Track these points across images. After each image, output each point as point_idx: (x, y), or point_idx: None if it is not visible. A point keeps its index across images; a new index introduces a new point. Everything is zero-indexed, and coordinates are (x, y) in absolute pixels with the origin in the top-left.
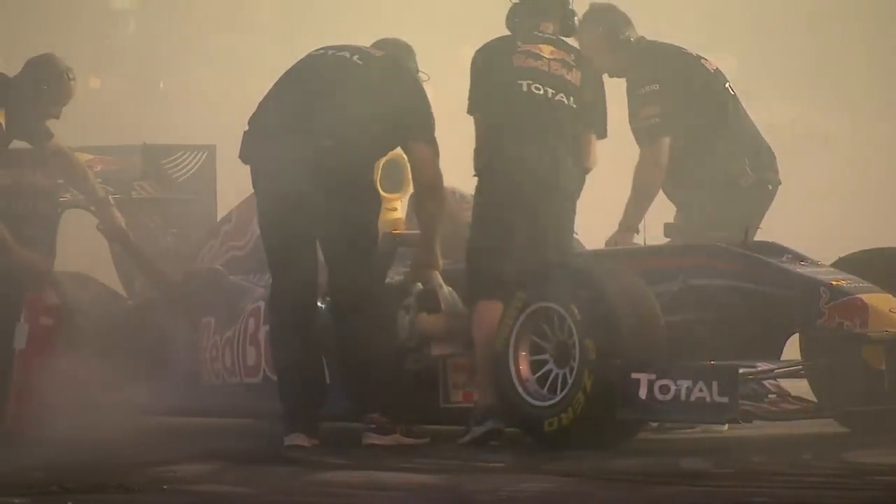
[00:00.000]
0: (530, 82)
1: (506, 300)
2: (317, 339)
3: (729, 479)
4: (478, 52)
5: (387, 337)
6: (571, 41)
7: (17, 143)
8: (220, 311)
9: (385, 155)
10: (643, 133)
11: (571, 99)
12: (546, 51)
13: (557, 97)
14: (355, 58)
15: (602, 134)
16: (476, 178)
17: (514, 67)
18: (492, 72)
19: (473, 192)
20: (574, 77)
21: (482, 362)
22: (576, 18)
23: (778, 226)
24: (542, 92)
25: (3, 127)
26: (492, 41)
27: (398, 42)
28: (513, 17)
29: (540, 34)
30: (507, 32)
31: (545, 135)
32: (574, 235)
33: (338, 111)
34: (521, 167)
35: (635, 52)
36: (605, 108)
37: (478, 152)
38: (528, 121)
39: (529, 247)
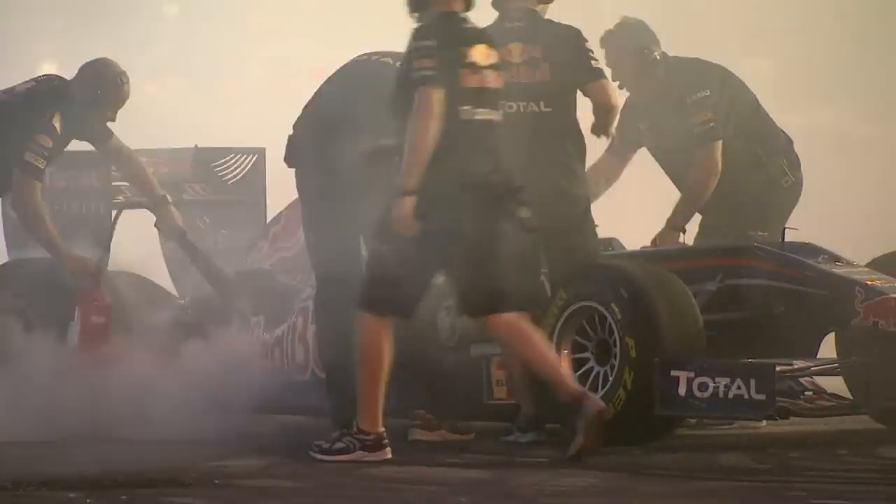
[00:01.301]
0: (503, 101)
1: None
2: None
3: (767, 474)
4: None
5: (430, 335)
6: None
7: (75, 146)
8: (269, 310)
9: None
10: (699, 138)
11: (542, 103)
12: (516, 53)
13: (529, 108)
14: (398, 64)
15: (598, 75)
16: None
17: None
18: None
19: None
20: (543, 73)
21: (524, 373)
22: None
23: (814, 227)
24: (514, 109)
25: (59, 129)
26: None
27: None
28: None
29: (510, 26)
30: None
31: (525, 148)
32: (602, 235)
33: (380, 116)
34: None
35: (666, 67)
36: (587, 55)
37: None
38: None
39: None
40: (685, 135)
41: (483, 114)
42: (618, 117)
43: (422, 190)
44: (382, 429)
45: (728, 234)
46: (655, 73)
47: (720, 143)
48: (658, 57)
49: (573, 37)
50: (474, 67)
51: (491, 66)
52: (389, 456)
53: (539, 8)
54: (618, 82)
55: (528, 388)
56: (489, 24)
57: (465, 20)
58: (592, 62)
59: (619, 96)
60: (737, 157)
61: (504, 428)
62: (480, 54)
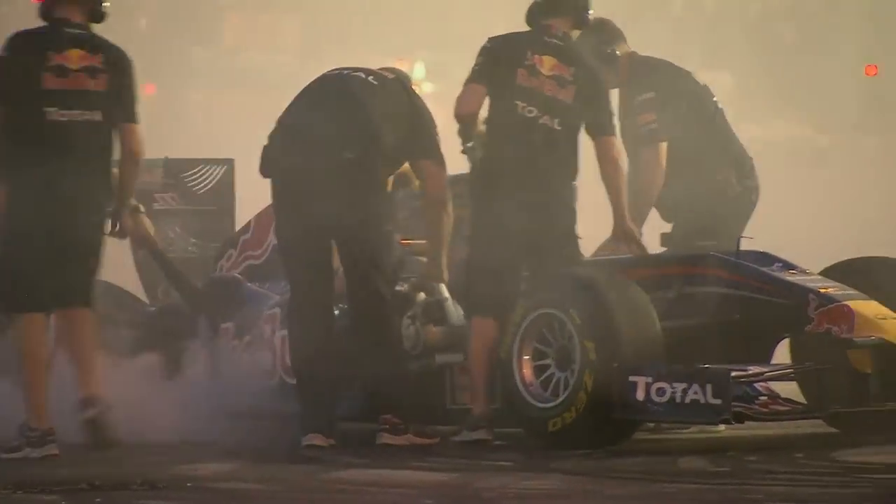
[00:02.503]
0: (524, 104)
1: (500, 317)
2: (333, 343)
3: (725, 477)
4: (493, 41)
5: (399, 341)
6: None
7: None
8: (238, 317)
9: (397, 170)
10: (642, 138)
11: (556, 121)
12: (547, 65)
13: (542, 119)
14: (370, 78)
15: (611, 132)
16: (473, 198)
17: (516, 85)
18: (496, 76)
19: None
20: (567, 94)
21: (476, 374)
22: (590, 11)
23: (769, 235)
24: (533, 115)
25: None
26: (509, 38)
27: (398, 70)
28: (530, 15)
29: (549, 40)
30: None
31: (534, 155)
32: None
33: (356, 127)
34: (515, 188)
35: (628, 64)
36: (609, 109)
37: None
38: (520, 142)
39: (530, 266)
40: (631, 135)
41: None
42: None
43: None
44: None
45: (680, 242)
46: (613, 68)
47: (663, 145)
48: (618, 52)
49: (603, 82)
50: None
51: None
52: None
53: (572, 32)
54: None
55: (480, 386)
56: (527, 31)
57: None
58: (611, 117)
59: (621, 154)
60: (686, 165)
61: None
62: None
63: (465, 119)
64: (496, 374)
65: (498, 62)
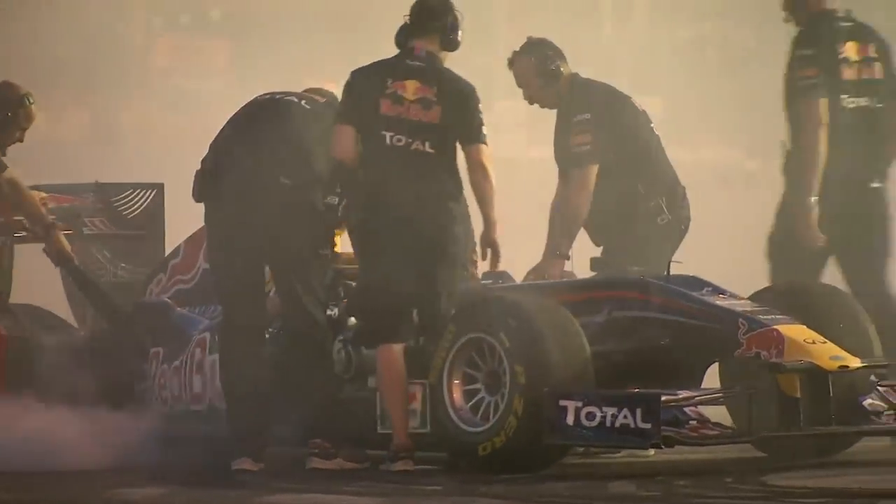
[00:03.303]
0: (392, 134)
1: (404, 340)
2: (265, 366)
3: (655, 501)
4: (354, 75)
5: (330, 365)
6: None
7: None
8: (168, 342)
9: (330, 194)
10: (573, 159)
11: (428, 144)
12: (410, 89)
13: (414, 145)
14: (303, 102)
15: (480, 140)
16: (355, 224)
17: (380, 116)
18: (361, 111)
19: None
20: (433, 115)
21: (391, 404)
22: (459, 33)
23: (699, 259)
24: (402, 143)
25: None
26: (369, 69)
27: (328, 92)
28: (398, 37)
29: (410, 63)
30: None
31: (411, 183)
32: (470, 270)
33: (292, 151)
34: (395, 216)
35: (567, 84)
36: (478, 118)
37: (350, 198)
38: (392, 172)
39: (422, 289)
40: (563, 155)
41: None
42: (493, 178)
43: None
44: None
45: (610, 266)
46: (555, 86)
47: (594, 167)
48: (562, 70)
49: (469, 93)
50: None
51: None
52: None
53: (441, 54)
54: (528, 99)
55: (398, 417)
56: (390, 57)
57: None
58: (480, 126)
59: (493, 162)
60: (618, 190)
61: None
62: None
63: (344, 163)
64: (409, 400)
65: (361, 97)
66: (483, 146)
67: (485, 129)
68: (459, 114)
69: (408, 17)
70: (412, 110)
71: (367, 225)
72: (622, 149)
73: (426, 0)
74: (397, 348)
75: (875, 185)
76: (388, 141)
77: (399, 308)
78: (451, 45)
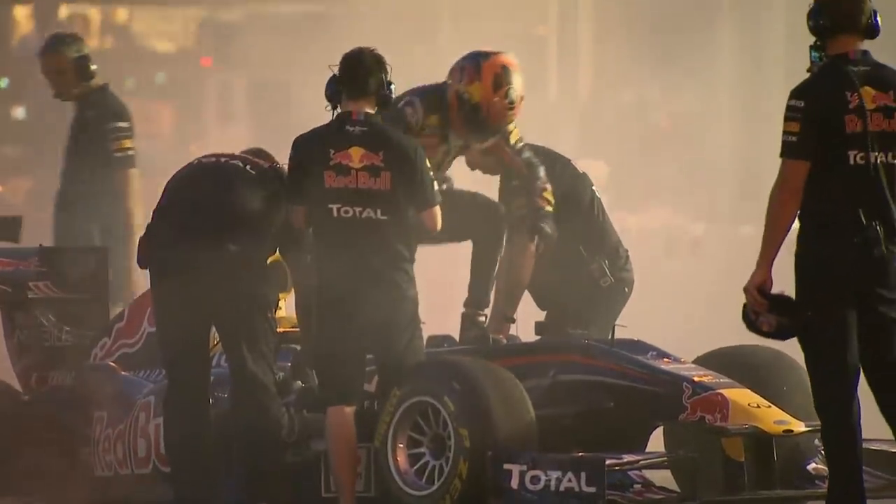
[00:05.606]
0: (340, 206)
1: (353, 403)
2: (210, 430)
3: None
4: (296, 148)
5: (276, 428)
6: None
7: None
8: (112, 406)
9: (271, 257)
10: (518, 224)
11: (379, 211)
12: (356, 158)
13: (365, 214)
14: (247, 167)
15: (434, 202)
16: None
17: (326, 189)
18: (307, 186)
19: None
20: (382, 182)
21: (338, 468)
22: (392, 87)
23: (643, 323)
24: (350, 214)
25: None
26: (310, 139)
27: (264, 152)
28: (332, 91)
29: (351, 130)
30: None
31: (362, 252)
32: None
33: (238, 217)
34: (350, 286)
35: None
36: (427, 178)
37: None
38: (345, 244)
39: (376, 354)
40: (507, 219)
41: None
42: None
43: None
44: None
45: (554, 330)
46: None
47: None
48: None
49: (415, 155)
50: None
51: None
52: None
53: (378, 115)
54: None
55: (346, 485)
56: (326, 124)
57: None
58: (431, 185)
59: (438, 227)
60: (561, 254)
61: None
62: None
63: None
64: (357, 463)
65: (306, 173)
66: (434, 210)
67: (435, 185)
68: (409, 178)
69: (336, 70)
70: (360, 178)
71: (321, 294)
72: (563, 211)
73: (357, 56)
74: (349, 411)
75: None
76: (335, 213)
77: (353, 372)
78: (386, 101)
